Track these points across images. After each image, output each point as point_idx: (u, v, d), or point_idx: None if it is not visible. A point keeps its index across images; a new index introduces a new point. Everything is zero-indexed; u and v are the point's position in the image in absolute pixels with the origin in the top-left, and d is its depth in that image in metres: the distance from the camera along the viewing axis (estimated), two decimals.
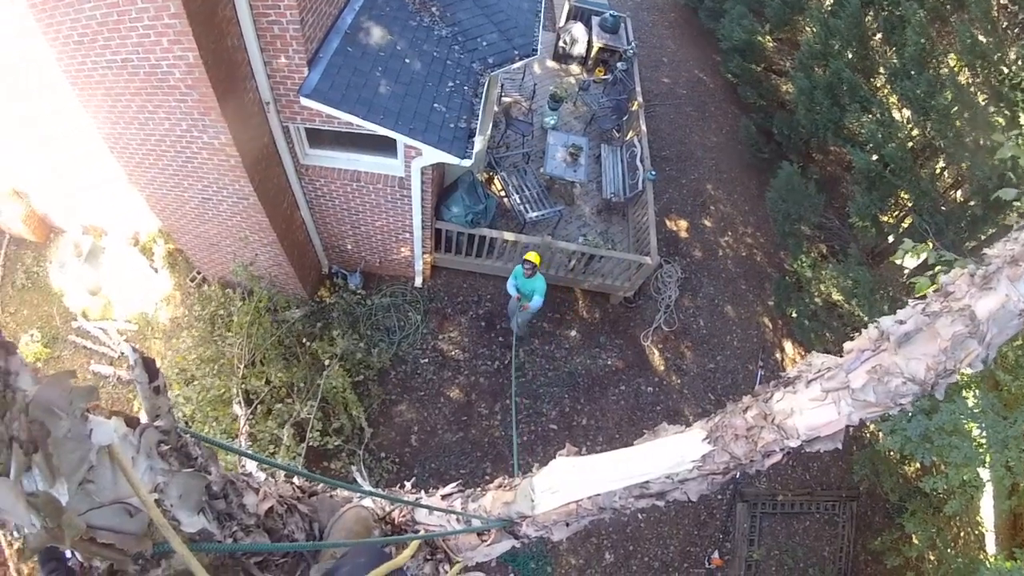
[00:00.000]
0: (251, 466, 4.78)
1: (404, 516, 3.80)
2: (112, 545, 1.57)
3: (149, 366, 1.88)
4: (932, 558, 10.49)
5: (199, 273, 11.34)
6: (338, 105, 7.89)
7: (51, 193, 10.85)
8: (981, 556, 10.69)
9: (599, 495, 3.22)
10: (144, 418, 1.88)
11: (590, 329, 12.82)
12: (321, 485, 3.51)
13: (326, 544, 2.99)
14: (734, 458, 2.79)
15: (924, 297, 2.48)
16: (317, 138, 9.19)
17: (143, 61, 6.50)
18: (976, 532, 11.65)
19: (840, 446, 2.62)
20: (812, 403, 2.57)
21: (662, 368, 12.68)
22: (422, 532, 3.70)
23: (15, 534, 1.39)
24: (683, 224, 15.40)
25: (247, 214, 8.98)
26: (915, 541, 9.94)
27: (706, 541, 11.25)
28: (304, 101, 7.82)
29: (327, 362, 9.60)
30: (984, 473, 8.80)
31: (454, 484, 4.08)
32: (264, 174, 8.58)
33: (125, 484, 1.64)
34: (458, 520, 3.68)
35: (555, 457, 3.36)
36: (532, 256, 9.91)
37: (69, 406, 1.49)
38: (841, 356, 2.60)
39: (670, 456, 2.94)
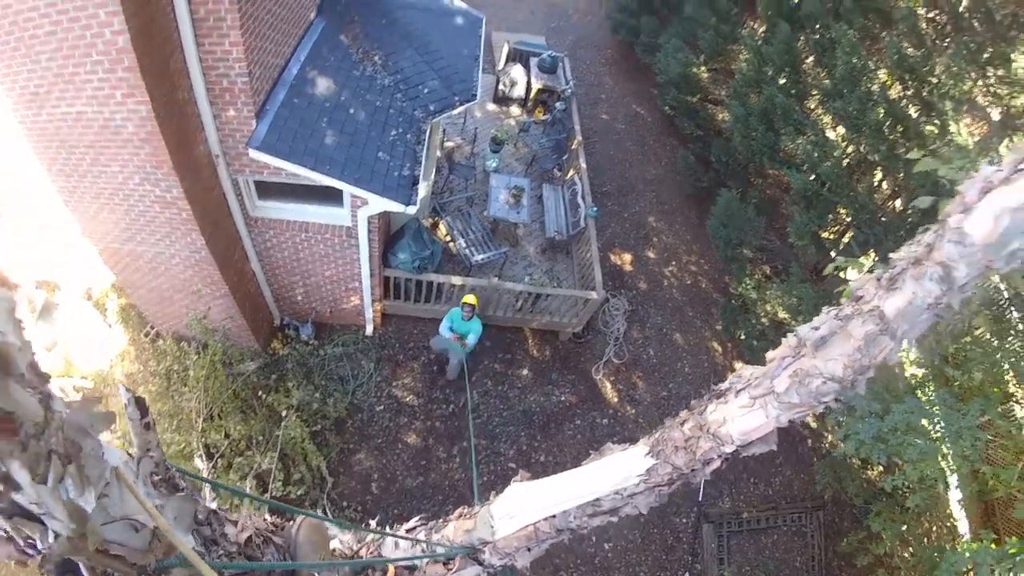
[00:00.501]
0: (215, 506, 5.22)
1: (371, 552, 4.24)
2: (121, 557, 1.82)
3: (140, 405, 2.28)
4: (907, 554, 11.05)
5: (153, 328, 11.77)
6: (286, 157, 8.45)
7: (2, 246, 11.14)
8: (956, 542, 11.32)
9: (555, 517, 3.68)
10: (136, 452, 2.26)
11: (541, 367, 13.58)
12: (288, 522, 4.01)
13: (303, 565, 3.31)
14: (676, 468, 3.20)
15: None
16: (266, 190, 9.74)
17: (97, 114, 6.92)
18: (948, 524, 12.35)
19: (775, 447, 3.01)
20: (742, 410, 2.93)
21: (615, 400, 13.45)
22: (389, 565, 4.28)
23: (39, 545, 1.66)
24: (627, 257, 16.34)
25: (199, 267, 9.48)
26: (883, 538, 10.53)
27: (675, 565, 11.89)
28: (253, 153, 8.36)
29: (284, 413, 10.11)
30: (946, 465, 9.36)
31: (417, 518, 4.63)
32: (215, 227, 9.11)
33: (131, 502, 1.92)
34: (423, 550, 4.11)
35: (510, 484, 3.84)
36: (471, 299, 10.74)
37: (92, 428, 1.82)
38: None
39: (617, 473, 3.41)
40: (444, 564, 4.04)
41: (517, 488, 3.76)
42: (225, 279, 9.73)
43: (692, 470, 3.19)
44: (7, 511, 1.61)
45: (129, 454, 2.13)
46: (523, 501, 3.68)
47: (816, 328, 2.78)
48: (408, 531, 4.38)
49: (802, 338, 2.81)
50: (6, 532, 1.67)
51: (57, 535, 1.65)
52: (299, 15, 9.44)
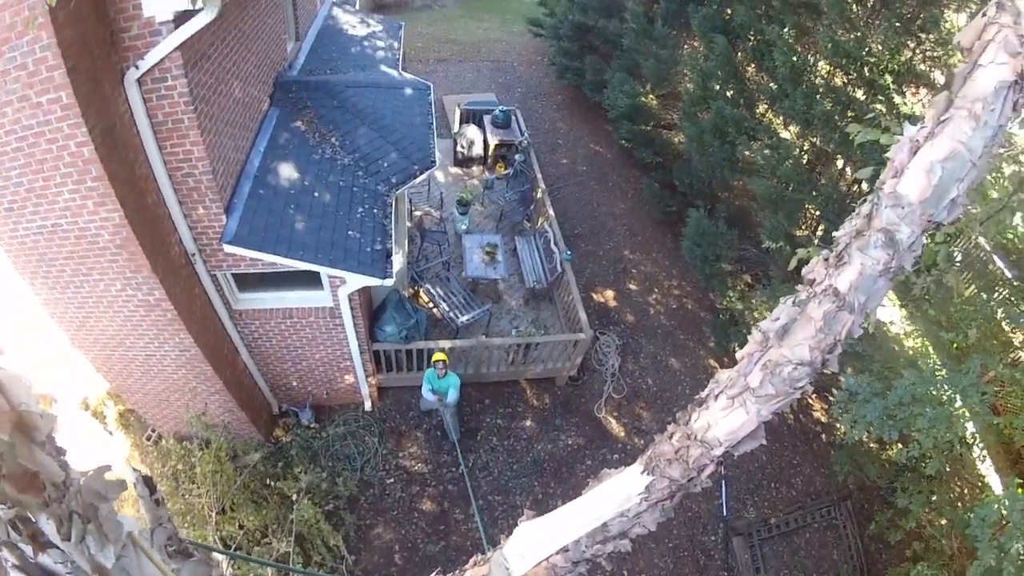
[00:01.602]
0: None
1: None
2: None
3: (149, 483, 2.44)
4: (943, 522, 11.16)
5: (154, 430, 11.87)
6: (260, 248, 8.72)
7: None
8: (985, 496, 11.44)
9: (568, 550, 3.71)
10: (150, 525, 2.42)
11: (543, 415, 13.76)
12: None
13: None
14: (673, 481, 3.25)
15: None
16: (245, 282, 9.99)
17: (72, 225, 7.17)
18: (979, 483, 12.27)
19: (764, 441, 3.11)
20: (723, 412, 2.96)
21: (622, 434, 13.60)
22: None
23: None
24: (609, 294, 16.65)
25: (191, 365, 9.66)
26: (911, 511, 10.62)
27: None
28: (227, 248, 8.63)
29: (294, 497, 10.21)
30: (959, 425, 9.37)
31: (435, 573, 4.81)
32: (201, 324, 9.32)
33: (148, 567, 2.06)
34: None
35: (518, 524, 3.83)
36: (440, 356, 10.98)
37: (107, 493, 1.97)
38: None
39: (617, 495, 3.45)
40: None
41: (525, 527, 3.79)
42: (218, 374, 9.89)
43: (689, 479, 3.24)
44: (35, 573, 1.76)
45: (144, 527, 2.30)
46: (533, 539, 3.75)
47: (777, 319, 2.85)
48: None
49: (766, 331, 2.88)
50: None
51: None
52: (253, 108, 9.81)
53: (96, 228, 7.24)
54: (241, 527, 9.87)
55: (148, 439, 11.91)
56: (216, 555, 8.97)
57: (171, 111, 7.28)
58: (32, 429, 1.74)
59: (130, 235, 7.27)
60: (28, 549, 1.73)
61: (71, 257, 7.70)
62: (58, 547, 1.77)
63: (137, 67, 6.76)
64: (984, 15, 2.39)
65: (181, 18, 6.64)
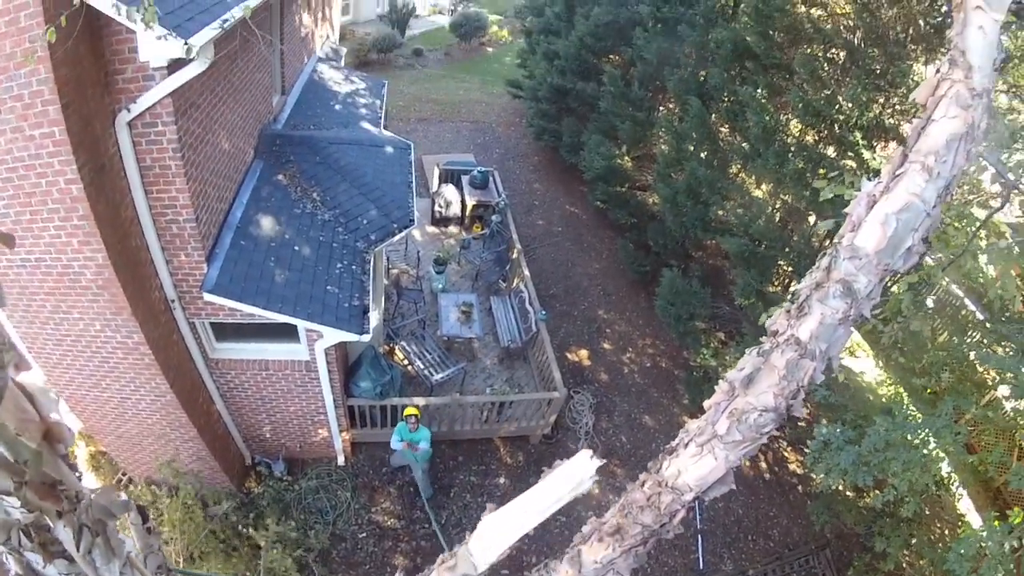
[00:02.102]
0: None
1: None
2: None
3: (141, 512, 2.53)
4: (922, 563, 11.27)
5: (125, 474, 11.78)
6: (239, 298, 8.81)
7: None
8: (962, 530, 11.49)
9: None
10: (142, 552, 2.50)
11: (517, 473, 13.80)
12: None
13: None
14: (646, 527, 3.37)
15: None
16: (222, 331, 10.07)
17: (56, 261, 7.24)
18: (959, 521, 12.54)
19: (733, 486, 3.23)
20: (693, 459, 3.07)
21: (596, 491, 13.60)
22: None
23: None
24: (584, 353, 16.79)
25: (166, 411, 9.66)
26: (889, 554, 10.71)
27: None
28: (207, 296, 8.72)
29: (262, 544, 10.16)
30: (943, 467, 9.64)
31: (400, 571, 4.88)
32: (178, 370, 9.35)
33: None
34: None
35: (481, 519, 3.88)
36: (412, 410, 11.13)
37: (114, 510, 2.06)
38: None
39: (572, 478, 3.51)
40: None
41: (486, 521, 3.74)
42: (192, 421, 9.89)
43: (661, 525, 3.34)
44: None
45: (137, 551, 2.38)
46: (495, 530, 3.71)
47: (742, 369, 2.98)
48: None
49: (731, 381, 3.00)
50: None
51: None
52: (238, 159, 10.00)
53: (79, 266, 7.33)
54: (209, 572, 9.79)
55: (119, 483, 11.79)
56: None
57: (159, 156, 7.42)
58: (58, 441, 1.86)
59: (112, 276, 7.36)
60: (37, 558, 1.81)
61: (52, 293, 7.76)
62: (65, 558, 1.86)
63: (129, 110, 6.93)
64: (937, 71, 2.61)
65: (174, 66, 6.82)
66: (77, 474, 1.97)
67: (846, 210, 2.88)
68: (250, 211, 9.94)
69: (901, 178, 2.63)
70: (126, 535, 2.29)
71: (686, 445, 3.19)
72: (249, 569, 10.24)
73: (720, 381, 3.15)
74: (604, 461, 3.54)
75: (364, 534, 12.24)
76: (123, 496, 2.57)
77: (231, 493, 11.74)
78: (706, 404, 3.17)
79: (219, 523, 10.81)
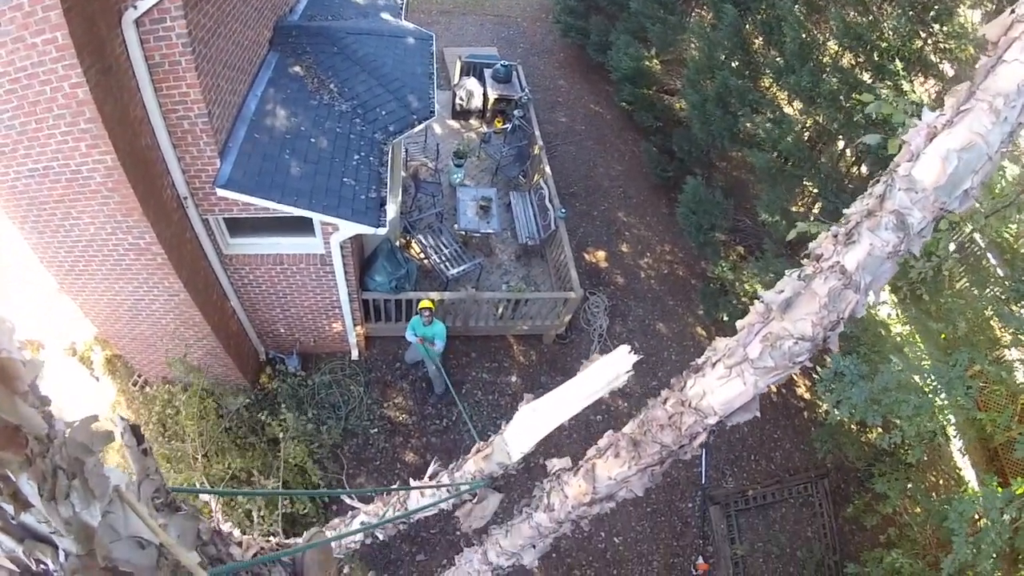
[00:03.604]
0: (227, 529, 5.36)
1: (398, 511, 4.48)
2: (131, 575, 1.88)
3: (136, 432, 2.33)
4: (917, 511, 11.28)
5: (140, 376, 11.84)
6: (253, 192, 8.59)
7: None
8: (961, 491, 11.55)
9: (553, 509, 3.92)
10: (137, 477, 2.32)
11: (529, 372, 13.78)
12: (293, 540, 4.18)
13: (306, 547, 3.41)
14: (665, 447, 3.31)
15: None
16: (237, 227, 9.89)
17: (64, 167, 7.05)
18: (954, 474, 12.58)
19: (757, 414, 3.11)
20: (720, 381, 2.97)
21: (607, 395, 13.56)
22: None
23: (51, 567, 1.69)
24: (601, 255, 16.58)
25: (180, 311, 9.61)
26: (889, 497, 10.76)
27: (688, 549, 12.10)
28: (220, 192, 8.52)
29: (280, 435, 10.26)
30: (942, 416, 9.52)
31: (435, 463, 4.87)
32: (191, 269, 9.23)
33: (135, 521, 1.98)
34: (448, 492, 4.30)
35: (518, 409, 3.94)
36: (426, 303, 10.94)
37: (93, 445, 1.86)
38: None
39: (608, 374, 3.57)
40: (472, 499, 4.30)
41: (523, 411, 3.89)
42: (206, 320, 9.84)
43: (680, 446, 3.28)
44: (17, 534, 1.66)
45: (130, 479, 2.18)
46: (531, 419, 3.83)
47: (781, 291, 2.82)
48: (430, 479, 4.57)
49: (768, 303, 2.85)
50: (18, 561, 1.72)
51: (68, 555, 1.70)
52: (252, 51, 9.60)
53: (88, 171, 7.10)
54: (229, 468, 9.89)
55: (134, 385, 11.89)
56: (204, 497, 9.02)
57: (168, 52, 7.12)
58: (13, 378, 1.60)
59: (122, 178, 7.15)
60: (10, 508, 1.61)
61: (62, 200, 7.57)
62: (37, 503, 1.63)
63: (135, 7, 6.59)
64: (1012, 11, 2.30)
65: None
66: (47, 409, 1.71)
67: (904, 137, 2.61)
68: (265, 104, 9.59)
69: (966, 115, 2.35)
70: (113, 461, 2.09)
71: (713, 365, 3.07)
72: (264, 464, 10.22)
73: (756, 301, 2.97)
74: (642, 356, 3.41)
75: (375, 429, 12.34)
76: (119, 419, 2.39)
77: (245, 389, 11.76)
78: (739, 324, 3.02)
79: (234, 419, 10.81)
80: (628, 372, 3.52)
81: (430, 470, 4.73)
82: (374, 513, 4.64)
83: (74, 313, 10.24)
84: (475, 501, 4.32)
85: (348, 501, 5.17)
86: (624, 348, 3.56)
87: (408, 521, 4.66)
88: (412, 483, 4.65)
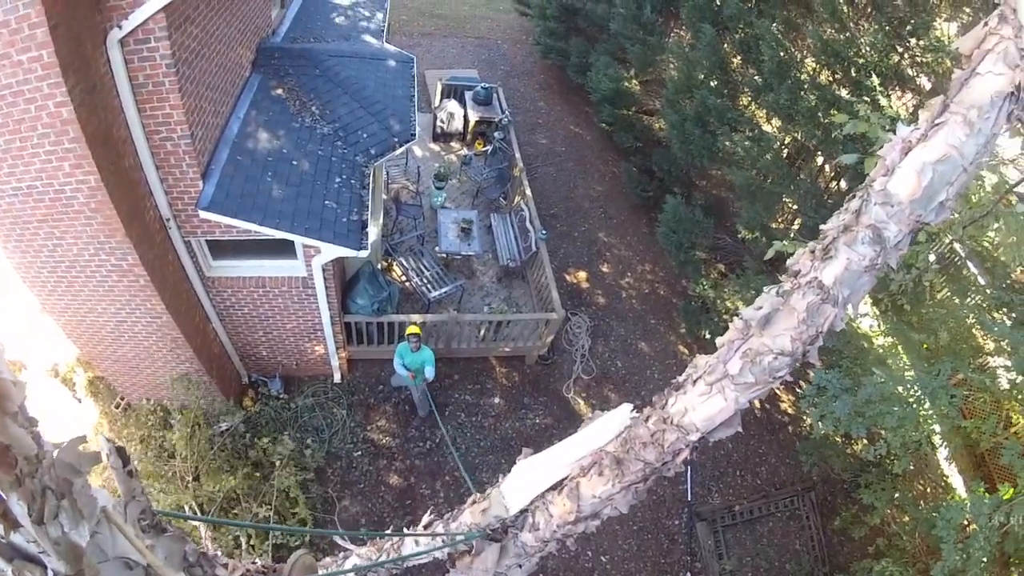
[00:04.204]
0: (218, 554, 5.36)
1: (391, 556, 4.44)
2: None
3: (121, 454, 2.35)
4: (906, 519, 11.36)
5: (123, 398, 11.71)
6: (235, 214, 8.61)
7: None
8: (949, 498, 11.60)
9: (539, 529, 3.92)
10: (123, 498, 2.34)
11: (512, 393, 13.76)
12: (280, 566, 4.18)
13: None
14: (648, 464, 3.36)
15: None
16: (219, 249, 9.85)
17: (47, 187, 7.01)
18: (942, 482, 12.67)
19: (739, 429, 3.13)
20: (701, 397, 3.04)
21: (590, 415, 13.55)
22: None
23: None
24: (582, 275, 16.62)
25: (162, 333, 9.53)
26: (876, 508, 10.77)
27: (675, 567, 12.06)
28: (203, 214, 8.52)
29: (277, 463, 10.21)
30: (927, 426, 9.53)
31: (430, 512, 4.86)
32: (174, 291, 9.19)
33: (122, 542, 1.99)
34: (443, 541, 4.28)
35: (516, 463, 4.04)
36: (414, 328, 10.87)
37: (81, 466, 1.88)
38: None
39: (609, 428, 3.63)
40: (469, 553, 4.27)
41: (521, 465, 3.97)
42: (189, 342, 9.77)
43: (663, 463, 3.33)
44: (7, 554, 1.67)
45: (117, 500, 2.23)
46: (529, 473, 3.90)
47: (760, 308, 2.91)
48: (425, 528, 4.57)
49: (748, 319, 2.94)
50: None
51: (57, 575, 1.70)
52: (235, 73, 9.66)
53: (71, 191, 7.09)
54: (220, 491, 9.82)
55: (117, 407, 11.76)
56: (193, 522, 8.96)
57: (152, 73, 7.16)
58: (3, 399, 1.62)
59: (105, 198, 7.13)
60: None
61: (45, 220, 7.53)
62: (26, 524, 1.66)
63: (120, 27, 6.62)
64: (985, 24, 2.39)
65: None
66: (36, 430, 1.75)
67: (874, 150, 2.66)
68: (247, 126, 9.64)
69: (940, 128, 2.45)
70: (97, 483, 2.09)
71: (694, 382, 3.15)
72: (251, 487, 10.16)
73: (735, 318, 3.06)
74: (640, 407, 3.44)
75: (359, 452, 12.27)
76: (105, 441, 2.39)
77: (231, 411, 11.64)
78: (718, 341, 3.10)
79: (219, 443, 10.74)
80: (628, 425, 3.54)
81: (425, 519, 4.72)
82: (367, 556, 4.61)
83: (56, 334, 10.14)
84: (473, 554, 4.28)
85: (340, 542, 5.14)
86: (627, 406, 3.60)
87: (400, 567, 4.63)
88: (407, 530, 4.66)
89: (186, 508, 9.16)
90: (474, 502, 4.31)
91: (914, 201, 2.47)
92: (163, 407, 10.93)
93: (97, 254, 8.01)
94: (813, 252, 2.80)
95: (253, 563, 3.78)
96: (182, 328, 9.54)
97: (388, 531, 4.78)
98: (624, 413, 3.59)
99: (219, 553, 4.41)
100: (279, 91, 10.63)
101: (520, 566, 4.24)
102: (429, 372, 11.16)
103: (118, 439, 10.92)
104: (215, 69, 8.66)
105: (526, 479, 3.92)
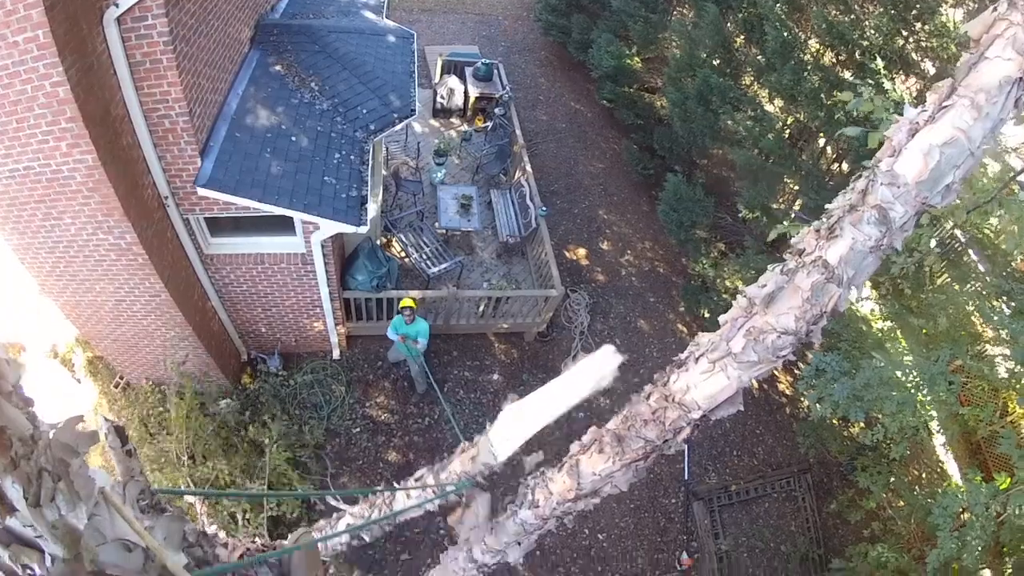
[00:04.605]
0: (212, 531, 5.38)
1: (384, 512, 4.47)
2: None
3: (120, 433, 2.39)
4: (901, 504, 11.43)
5: (122, 378, 11.74)
6: (234, 191, 8.54)
7: None
8: (945, 485, 11.72)
9: (538, 505, 3.93)
10: (121, 478, 2.36)
11: (511, 369, 13.79)
12: (279, 542, 4.18)
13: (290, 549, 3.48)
14: (649, 442, 3.34)
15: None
16: (218, 226, 9.83)
17: (44, 167, 6.99)
18: (937, 469, 12.77)
19: (741, 408, 3.12)
20: (703, 375, 3.02)
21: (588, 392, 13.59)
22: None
23: (37, 572, 1.67)
24: (582, 252, 16.62)
25: (161, 311, 9.53)
26: (871, 492, 10.84)
27: (672, 545, 12.15)
28: (201, 191, 8.46)
29: (266, 442, 10.19)
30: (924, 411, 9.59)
31: (424, 468, 4.89)
32: (172, 269, 9.17)
33: (121, 523, 1.96)
34: (434, 492, 4.33)
35: (502, 409, 4.01)
36: (408, 302, 10.88)
37: (78, 447, 1.87)
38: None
39: (594, 374, 3.63)
40: (460, 504, 4.32)
41: (508, 411, 3.96)
42: (188, 320, 9.78)
43: (664, 441, 3.31)
44: (3, 539, 1.67)
45: (115, 480, 2.21)
46: (516, 421, 3.90)
47: (763, 286, 2.88)
48: (416, 480, 4.58)
49: (751, 297, 2.92)
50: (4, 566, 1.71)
51: (55, 559, 1.70)
52: (234, 49, 9.57)
53: (69, 170, 7.05)
54: (214, 470, 9.85)
55: (116, 386, 11.79)
56: (189, 499, 8.99)
57: (150, 51, 7.09)
58: None
59: (102, 178, 7.09)
60: None
61: (43, 200, 7.51)
62: (22, 508, 1.65)
63: (117, 5, 6.54)
64: (994, 9, 2.37)
65: None
66: (31, 410, 1.75)
67: (886, 133, 2.67)
68: (246, 102, 9.55)
69: (948, 110, 2.42)
70: (96, 463, 2.07)
71: (696, 360, 3.12)
72: (248, 465, 10.19)
73: (739, 295, 3.03)
74: (627, 356, 3.43)
75: (358, 429, 12.31)
76: (103, 420, 2.45)
77: (228, 391, 11.69)
78: (722, 319, 3.07)
79: (219, 422, 10.76)
80: (615, 373, 3.55)
81: (417, 472, 4.71)
82: (359, 515, 4.63)
83: (55, 314, 10.13)
84: (463, 505, 4.33)
85: (333, 503, 5.15)
86: (609, 348, 3.60)
87: (393, 522, 4.63)
88: (397, 484, 4.65)
89: (182, 486, 9.17)
90: (463, 451, 4.33)
91: (920, 183, 2.46)
92: (162, 386, 10.91)
93: (95, 233, 7.99)
94: (818, 231, 2.79)
95: (253, 542, 3.82)
96: (181, 306, 9.54)
97: (379, 488, 4.76)
98: (607, 356, 3.59)
99: (217, 531, 4.41)
100: (278, 67, 10.54)
101: (519, 543, 4.24)
102: (422, 341, 11.16)
103: (117, 419, 10.97)
104: (213, 46, 8.58)
105: (513, 425, 3.92)
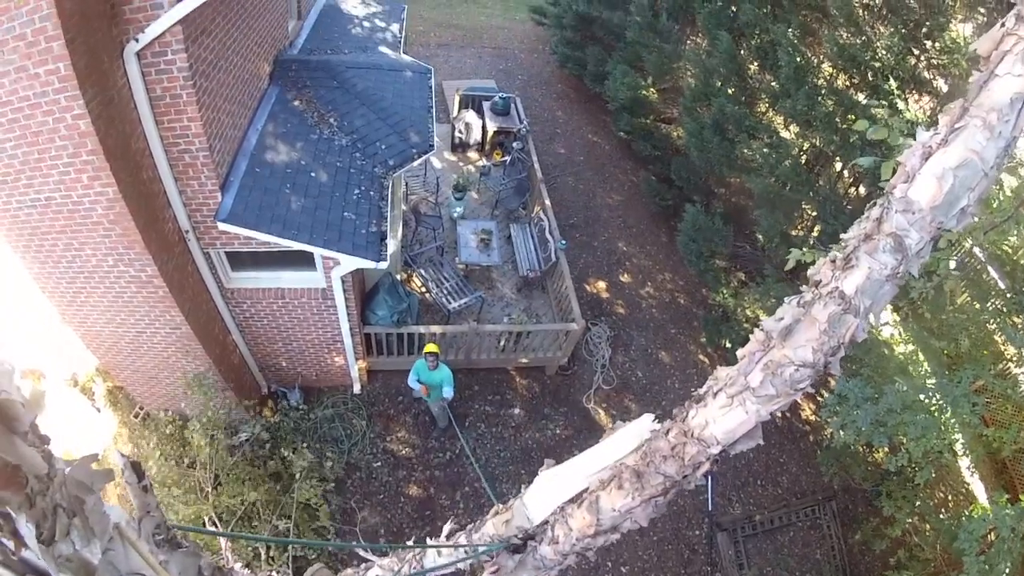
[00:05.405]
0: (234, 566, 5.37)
1: (414, 568, 4.43)
2: None
3: (136, 469, 2.37)
4: (927, 529, 11.25)
5: (142, 408, 11.78)
6: (254, 226, 8.63)
7: None
8: (971, 507, 11.48)
9: (558, 542, 3.87)
10: (137, 513, 2.34)
11: (532, 403, 13.71)
12: None
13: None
14: (668, 477, 3.31)
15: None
16: (238, 260, 9.89)
17: (66, 199, 7.07)
18: (963, 490, 12.52)
19: (761, 442, 3.12)
20: (722, 410, 3.00)
21: (610, 425, 13.42)
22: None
23: None
24: (602, 285, 16.59)
25: (181, 343, 9.58)
26: (896, 520, 10.68)
27: None
28: (222, 226, 8.54)
29: (297, 475, 10.14)
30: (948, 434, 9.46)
31: (451, 522, 4.76)
32: (193, 302, 9.22)
33: (136, 559, 1.97)
34: (466, 553, 4.27)
35: (538, 473, 4.01)
36: (432, 347, 10.78)
37: (93, 484, 1.87)
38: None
39: (630, 439, 3.58)
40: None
41: (543, 475, 3.94)
42: (208, 353, 9.82)
43: (684, 476, 3.28)
44: (19, 569, 1.64)
45: (131, 515, 2.21)
46: (551, 485, 3.88)
47: (780, 319, 2.88)
48: (447, 538, 4.56)
49: (768, 331, 2.91)
50: None
51: None
52: (253, 85, 9.69)
53: (90, 203, 7.12)
54: (243, 503, 9.79)
55: (136, 416, 11.80)
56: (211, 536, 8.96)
57: (170, 86, 7.17)
58: (12, 419, 1.61)
59: (123, 210, 7.16)
60: (10, 544, 1.61)
61: (63, 231, 7.58)
62: (42, 542, 1.66)
63: (137, 40, 6.64)
64: (1002, 25, 2.35)
65: None
66: (47, 448, 1.74)
67: (899, 159, 2.63)
68: (265, 138, 9.67)
69: (960, 132, 2.40)
70: (112, 495, 2.07)
71: (715, 394, 3.09)
72: (270, 499, 10.17)
73: (756, 329, 3.01)
74: (660, 418, 3.43)
75: (379, 463, 12.27)
76: (120, 455, 2.46)
77: (252, 420, 11.64)
78: (739, 353, 3.05)
79: (239, 454, 10.76)
80: (648, 436, 3.51)
81: (446, 528, 4.70)
82: (388, 568, 4.59)
83: (76, 344, 10.19)
84: (491, 569, 4.27)
85: (362, 554, 5.14)
86: (648, 416, 3.58)
87: None
88: (429, 541, 4.63)
89: (205, 520, 9.15)
90: (496, 513, 4.29)
91: (935, 208, 2.43)
92: (182, 416, 10.95)
93: (116, 265, 8.06)
94: (834, 261, 2.77)
95: (273, 574, 3.81)
96: (201, 339, 9.58)
97: (410, 543, 4.73)
98: (646, 424, 3.57)
99: (236, 567, 4.41)
100: (297, 103, 10.67)
101: None
102: (448, 392, 11.06)
103: (137, 449, 11.02)
104: (233, 81, 8.70)
105: (548, 490, 3.90)
